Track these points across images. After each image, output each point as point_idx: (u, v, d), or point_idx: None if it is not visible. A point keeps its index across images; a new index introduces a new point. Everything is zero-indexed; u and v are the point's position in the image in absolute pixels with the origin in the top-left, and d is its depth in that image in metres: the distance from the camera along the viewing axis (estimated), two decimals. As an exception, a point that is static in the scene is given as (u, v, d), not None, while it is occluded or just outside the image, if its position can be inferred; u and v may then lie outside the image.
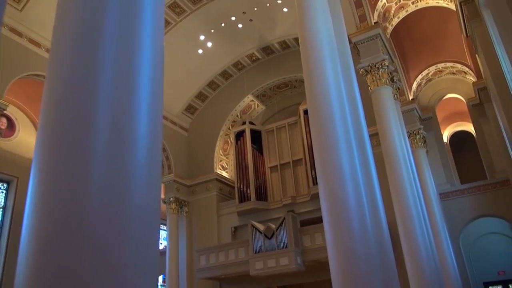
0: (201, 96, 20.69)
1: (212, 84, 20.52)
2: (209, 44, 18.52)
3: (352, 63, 8.13)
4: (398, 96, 13.14)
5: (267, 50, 19.54)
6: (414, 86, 15.47)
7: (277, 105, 20.42)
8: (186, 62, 18.87)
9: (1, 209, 15.98)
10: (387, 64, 11.28)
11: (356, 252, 5.06)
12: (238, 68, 20.23)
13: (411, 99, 15.35)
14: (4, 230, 15.67)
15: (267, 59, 19.87)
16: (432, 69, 15.38)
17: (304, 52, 7.26)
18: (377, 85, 10.98)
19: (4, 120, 16.30)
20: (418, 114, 15.72)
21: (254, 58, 19.87)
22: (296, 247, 14.54)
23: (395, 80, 12.14)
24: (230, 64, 19.95)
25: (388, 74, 11.18)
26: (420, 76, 15.50)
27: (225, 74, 20.33)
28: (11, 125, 16.63)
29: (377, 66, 11.23)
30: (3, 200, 16.11)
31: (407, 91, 15.28)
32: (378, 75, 10.99)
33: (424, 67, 15.31)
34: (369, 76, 11.24)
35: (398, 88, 13.06)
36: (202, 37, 18.18)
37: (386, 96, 10.87)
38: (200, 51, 18.64)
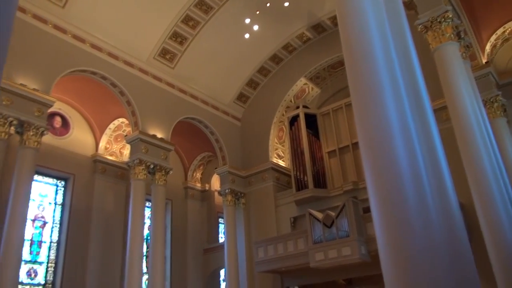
0: (252, 83, 19.86)
1: (262, 70, 19.61)
2: (256, 27, 17.60)
3: (405, 18, 6.68)
4: (468, 56, 11.24)
5: (318, 28, 18.25)
6: (488, 48, 13.40)
7: (333, 87, 19.04)
8: (233, 49, 18.12)
9: (60, 206, 16.23)
10: (450, 16, 9.61)
11: (411, 224, 3.87)
12: (288, 50, 19.14)
13: (485, 63, 13.31)
14: (63, 227, 15.89)
15: (318, 38, 18.58)
16: (509, 26, 13.23)
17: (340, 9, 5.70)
18: (440, 42, 9.36)
19: (58, 118, 16.58)
20: (495, 79, 13.63)
21: (304, 38, 18.66)
22: (359, 236, 13.18)
23: (462, 36, 10.39)
24: (280, 47, 18.92)
25: (452, 28, 9.50)
26: (494, 36, 13.41)
27: (275, 58, 19.33)
28: (65, 123, 16.87)
29: (438, 20, 9.61)
30: (61, 198, 16.34)
31: (479, 54, 13.27)
32: (440, 30, 9.37)
33: (498, 25, 13.19)
34: (429, 33, 9.63)
35: (467, 46, 11.20)
36: (247, 20, 17.29)
37: (451, 53, 9.18)
38: (247, 35, 17.78)
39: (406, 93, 4.54)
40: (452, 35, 9.50)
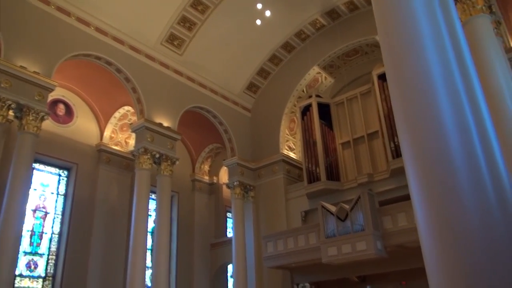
0: (262, 72, 19.13)
1: (274, 59, 18.86)
2: (268, 13, 16.83)
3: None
4: (500, 33, 10.38)
5: (332, 14, 17.44)
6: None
7: (347, 76, 18.22)
8: (244, 36, 17.40)
9: (63, 197, 15.67)
10: (481, -14, 8.81)
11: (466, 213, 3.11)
12: (301, 38, 18.36)
13: (514, 47, 12.47)
14: (65, 218, 15.32)
15: (333, 25, 17.76)
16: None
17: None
18: (470, 14, 8.53)
19: (62, 106, 16.03)
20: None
21: (318, 25, 17.86)
22: (375, 230, 12.40)
23: (493, 10, 9.55)
24: (292, 34, 18.15)
25: (484, 0, 8.69)
26: (522, 18, 12.57)
27: (287, 46, 18.56)
28: (69, 111, 16.30)
29: (468, -10, 8.81)
30: (64, 188, 15.78)
31: (506, 36, 12.40)
32: (470, 2, 8.55)
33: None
34: (458, 5, 8.82)
35: (499, 22, 10.36)
36: (259, 6, 16.52)
37: (484, 27, 8.33)
38: (258, 21, 17.02)
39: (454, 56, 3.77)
40: (483, 7, 8.68)
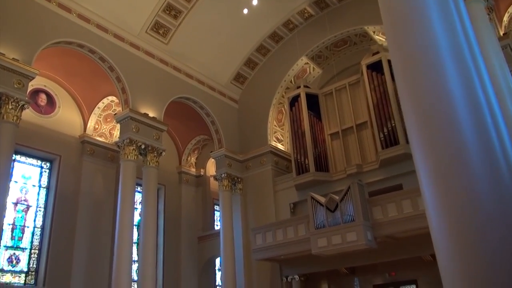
0: (250, 63, 18.83)
1: (261, 49, 18.58)
2: (255, 2, 16.41)
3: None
4: (493, 20, 10.27)
5: (320, 3, 17.22)
6: (506, 18, 12.49)
7: (336, 67, 18.04)
8: (231, 25, 17.07)
9: (45, 189, 15.20)
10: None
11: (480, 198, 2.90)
12: (289, 28, 18.10)
13: (503, 34, 12.40)
14: (48, 211, 14.88)
15: (321, 14, 17.54)
16: (528, -4, 12.35)
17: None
18: (463, -1, 8.37)
19: (43, 96, 15.52)
20: (513, 52, 12.74)
21: (306, 14, 17.62)
22: (365, 221, 12.28)
23: (486, -8, 9.42)
24: (280, 24, 17.88)
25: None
26: (512, 7, 12.55)
27: (275, 36, 18.29)
28: (51, 101, 15.79)
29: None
30: (46, 180, 15.31)
31: (496, 26, 12.37)
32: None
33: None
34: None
35: (491, 8, 10.25)
36: (246, -6, 16.21)
37: (479, 12, 8.18)
38: (246, 10, 16.64)
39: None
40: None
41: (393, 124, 13.73)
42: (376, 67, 14.70)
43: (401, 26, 3.68)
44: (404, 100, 3.65)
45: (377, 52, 14.90)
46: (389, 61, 14.51)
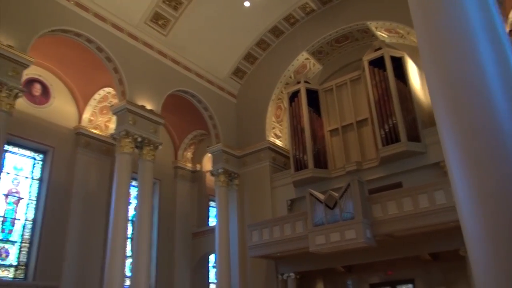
0: (249, 57, 18.55)
1: (261, 43, 18.30)
2: (256, -5, 16.24)
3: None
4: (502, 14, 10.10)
5: (323, -3, 16.95)
6: (511, 15, 12.32)
7: (336, 63, 17.81)
8: (232, 18, 16.77)
9: (38, 181, 14.85)
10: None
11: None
12: (290, 22, 17.83)
13: (509, 31, 12.25)
14: (40, 203, 14.53)
15: (323, 9, 17.27)
16: (534, -6, 12.17)
17: None
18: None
19: (38, 86, 15.16)
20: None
21: (308, 9, 17.35)
22: (365, 218, 12.06)
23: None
24: (281, 19, 17.59)
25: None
26: (517, 5, 12.36)
27: (275, 31, 18.01)
28: (45, 91, 15.44)
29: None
30: (39, 172, 14.96)
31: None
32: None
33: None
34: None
35: (500, 2, 10.08)
36: (248, -13, 15.94)
37: None
38: (247, 3, 16.40)
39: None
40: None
41: (395, 121, 13.52)
42: (378, 63, 14.48)
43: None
44: (431, 80, 3.40)
45: (380, 48, 14.68)
46: (391, 57, 14.32)
